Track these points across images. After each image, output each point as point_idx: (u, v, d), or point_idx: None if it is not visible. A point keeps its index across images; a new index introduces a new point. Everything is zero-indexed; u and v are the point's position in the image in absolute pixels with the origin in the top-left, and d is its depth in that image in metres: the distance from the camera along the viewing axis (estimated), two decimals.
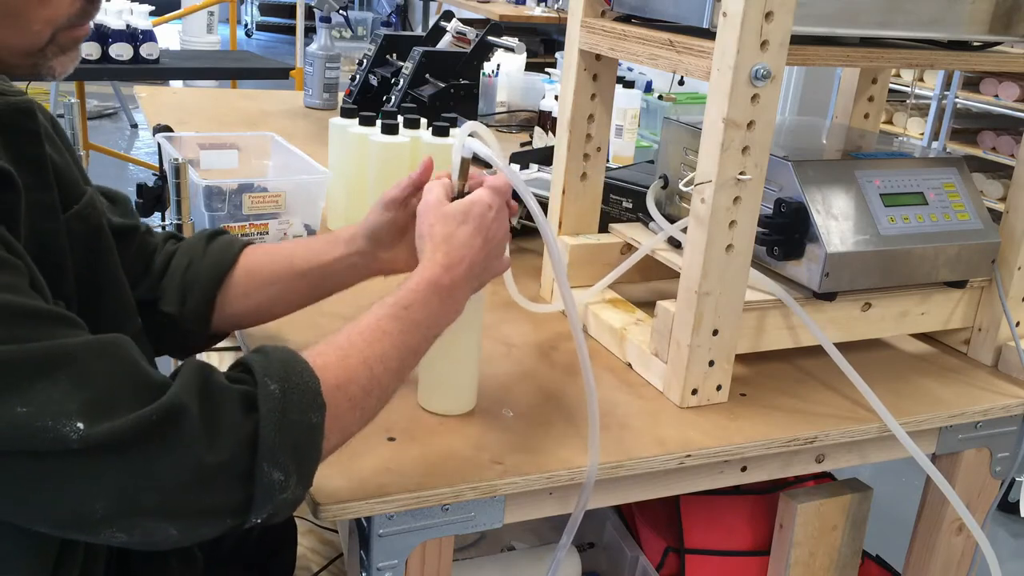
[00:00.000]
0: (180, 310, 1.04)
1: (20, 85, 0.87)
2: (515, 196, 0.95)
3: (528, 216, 1.54)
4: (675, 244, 1.21)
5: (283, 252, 1.07)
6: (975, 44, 1.14)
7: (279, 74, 3.98)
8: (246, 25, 9.67)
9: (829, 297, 1.11)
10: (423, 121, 1.51)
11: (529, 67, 2.64)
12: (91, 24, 0.81)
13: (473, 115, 2.09)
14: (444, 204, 0.92)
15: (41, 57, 0.78)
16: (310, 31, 3.98)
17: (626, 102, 2.02)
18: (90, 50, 3.22)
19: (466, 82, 2.06)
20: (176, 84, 4.49)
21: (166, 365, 1.00)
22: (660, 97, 2.55)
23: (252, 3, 9.72)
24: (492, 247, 0.93)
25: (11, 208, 0.76)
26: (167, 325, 1.05)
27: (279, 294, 1.06)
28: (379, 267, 1.04)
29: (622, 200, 1.43)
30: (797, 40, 0.97)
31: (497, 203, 0.93)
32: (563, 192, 1.26)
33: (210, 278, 1.05)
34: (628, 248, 1.27)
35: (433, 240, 0.90)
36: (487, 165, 0.94)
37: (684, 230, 1.05)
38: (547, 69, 2.52)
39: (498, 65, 2.46)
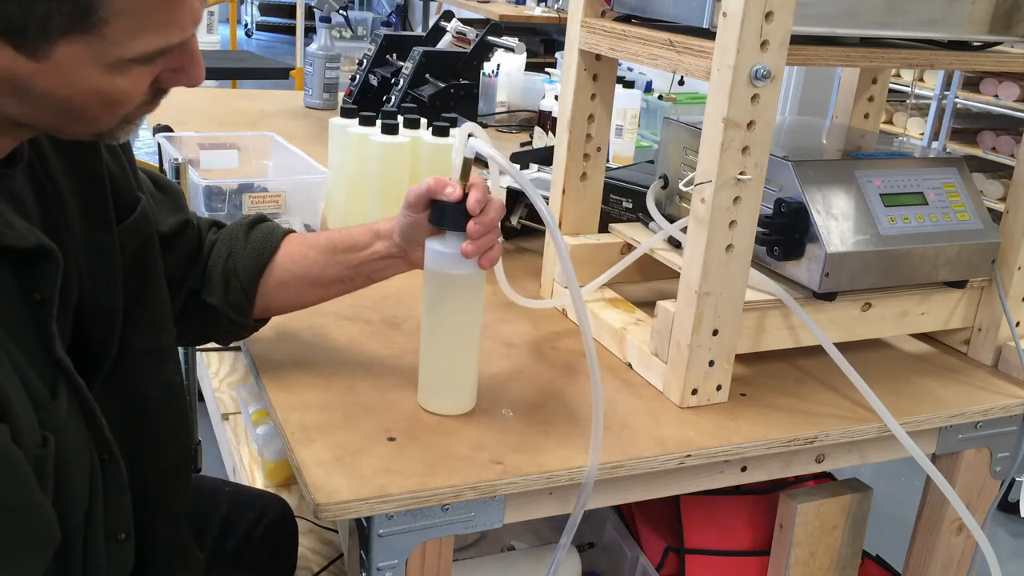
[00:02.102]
0: (222, 301, 1.04)
1: None
2: (514, 195, 0.95)
3: (529, 216, 1.54)
4: (675, 244, 1.21)
5: (323, 242, 1.06)
6: (975, 44, 1.14)
7: (279, 74, 3.98)
8: (246, 25, 9.66)
9: (829, 297, 1.11)
10: (423, 121, 1.51)
11: (529, 67, 2.64)
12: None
13: (473, 115, 2.09)
14: None
15: (108, 136, 0.78)
16: (310, 31, 3.98)
17: (626, 102, 2.02)
18: None
19: (466, 82, 2.06)
20: None
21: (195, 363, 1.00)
22: (660, 97, 2.55)
23: (252, 3, 9.72)
24: None
25: (49, 280, 0.77)
26: (210, 315, 1.05)
27: (319, 283, 1.06)
28: (413, 262, 1.03)
29: (622, 200, 1.43)
30: (797, 40, 0.97)
31: None
32: (563, 192, 1.26)
33: (251, 269, 1.05)
34: (628, 248, 1.27)
35: None
36: (485, 165, 0.94)
37: (684, 230, 1.05)
38: (547, 69, 2.52)
39: (498, 65, 2.46)
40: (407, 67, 2.06)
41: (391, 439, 0.94)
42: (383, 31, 2.34)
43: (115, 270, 0.88)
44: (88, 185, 0.86)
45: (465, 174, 0.94)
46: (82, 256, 0.85)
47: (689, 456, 0.98)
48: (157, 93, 0.78)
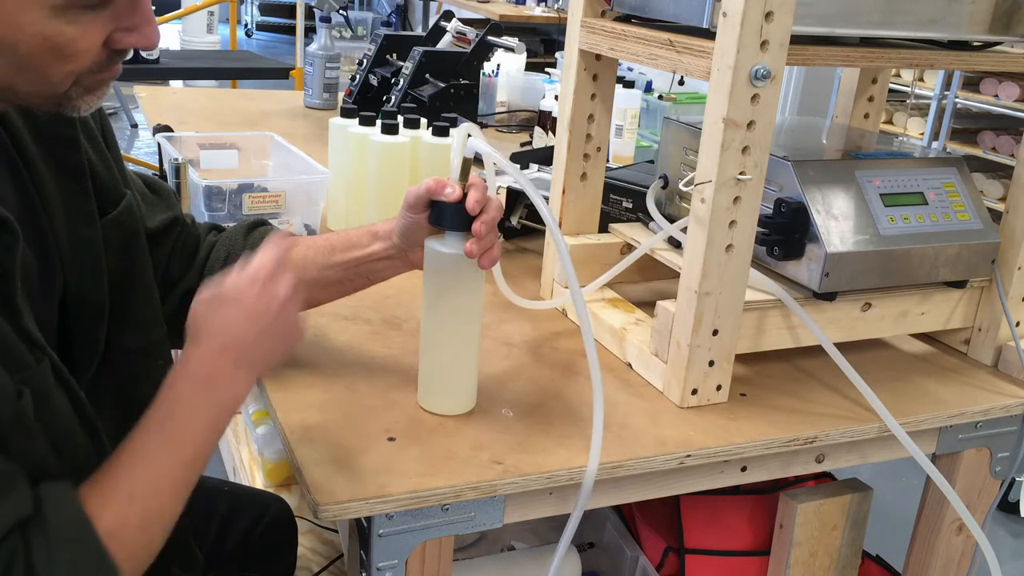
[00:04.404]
0: None
1: None
2: (514, 195, 0.95)
3: (529, 216, 1.54)
4: (675, 244, 1.21)
5: (322, 244, 1.06)
6: (975, 44, 1.14)
7: (279, 74, 3.98)
8: (246, 25, 9.67)
9: (829, 297, 1.11)
10: (423, 121, 1.51)
11: (529, 67, 2.64)
12: (120, 66, 0.79)
13: (473, 115, 2.09)
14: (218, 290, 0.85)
15: (65, 99, 0.77)
16: (310, 31, 3.98)
17: (626, 102, 2.02)
18: None
19: (466, 82, 2.06)
20: (176, 84, 4.49)
21: None
22: (660, 97, 2.55)
23: (252, 3, 9.72)
24: (264, 325, 0.84)
25: (7, 252, 0.76)
26: None
27: (318, 285, 1.06)
28: (413, 263, 1.03)
29: (622, 200, 1.43)
30: (797, 40, 0.97)
31: (263, 273, 0.85)
32: (563, 192, 1.26)
33: None
34: (628, 248, 1.27)
35: (192, 328, 0.83)
36: (482, 165, 0.94)
37: (684, 230, 1.05)
38: (547, 69, 2.52)
39: (498, 65, 2.45)
40: (407, 67, 2.06)
41: (391, 439, 0.94)
42: (383, 31, 2.34)
43: (98, 263, 0.88)
44: (69, 177, 0.86)
45: (464, 174, 0.94)
46: (65, 249, 0.85)
47: (689, 456, 0.98)
48: (113, 55, 0.76)
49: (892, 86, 3.07)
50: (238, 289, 0.84)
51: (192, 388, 0.81)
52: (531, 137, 2.22)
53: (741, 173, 0.98)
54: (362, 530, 0.90)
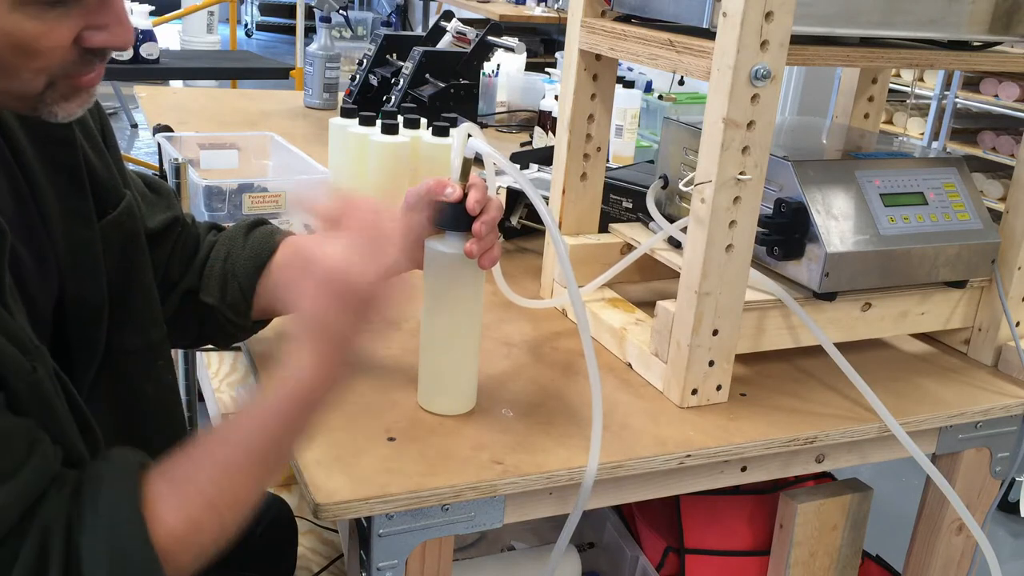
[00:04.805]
0: (220, 301, 1.04)
1: None
2: (514, 195, 0.95)
3: (529, 216, 1.54)
4: (675, 244, 1.21)
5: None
6: (975, 44, 1.14)
7: (279, 74, 3.98)
8: (246, 25, 9.67)
9: (829, 297, 1.11)
10: (423, 121, 1.51)
11: (529, 67, 2.64)
12: (100, 71, 0.77)
13: (473, 115, 2.09)
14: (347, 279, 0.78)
15: (40, 102, 0.75)
16: (310, 31, 3.98)
17: (626, 102, 2.02)
18: None
19: (466, 82, 2.06)
20: (176, 84, 4.49)
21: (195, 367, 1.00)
22: (660, 97, 2.55)
23: (252, 3, 9.72)
24: (362, 314, 0.80)
25: None
26: (208, 315, 1.05)
27: None
28: (411, 263, 1.03)
29: (622, 200, 1.43)
30: (797, 40, 0.97)
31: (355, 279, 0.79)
32: (563, 192, 1.26)
33: (248, 269, 1.04)
34: (628, 248, 1.27)
35: (312, 329, 0.79)
36: (482, 165, 0.94)
37: (684, 230, 1.05)
38: (547, 69, 2.52)
39: (498, 65, 2.46)
40: (407, 67, 2.06)
41: (391, 439, 0.94)
42: (383, 31, 2.34)
43: (97, 263, 0.88)
44: (65, 178, 0.86)
45: (465, 175, 0.94)
46: (62, 250, 0.85)
47: (689, 456, 0.98)
48: (86, 55, 0.75)
49: (892, 86, 3.07)
50: (339, 288, 0.78)
51: (294, 407, 0.78)
52: (531, 137, 2.22)
53: (741, 173, 0.98)
54: (362, 530, 0.90)
